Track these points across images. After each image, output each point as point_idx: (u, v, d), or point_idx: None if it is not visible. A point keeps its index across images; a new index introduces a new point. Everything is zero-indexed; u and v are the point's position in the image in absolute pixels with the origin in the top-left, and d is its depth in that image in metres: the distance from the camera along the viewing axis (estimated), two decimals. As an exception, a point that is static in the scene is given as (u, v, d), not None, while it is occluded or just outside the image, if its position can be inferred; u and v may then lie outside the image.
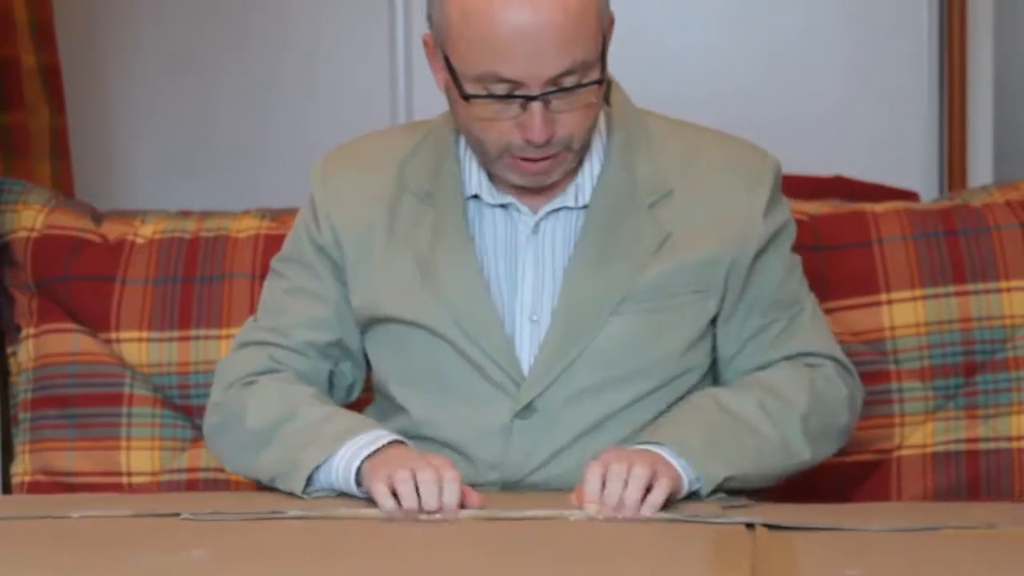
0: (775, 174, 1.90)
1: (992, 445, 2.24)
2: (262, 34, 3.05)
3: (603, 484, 1.64)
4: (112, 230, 2.32)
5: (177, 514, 1.67)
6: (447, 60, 1.74)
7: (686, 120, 1.95)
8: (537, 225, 1.84)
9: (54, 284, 2.27)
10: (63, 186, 2.56)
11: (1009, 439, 2.24)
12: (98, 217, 2.35)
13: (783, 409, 1.83)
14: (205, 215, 2.36)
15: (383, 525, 1.63)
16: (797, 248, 1.98)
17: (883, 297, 2.24)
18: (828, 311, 2.23)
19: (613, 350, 1.81)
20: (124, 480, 2.22)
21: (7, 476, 2.29)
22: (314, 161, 1.96)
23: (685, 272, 1.83)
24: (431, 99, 3.00)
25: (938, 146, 3.06)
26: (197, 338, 2.25)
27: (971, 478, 2.23)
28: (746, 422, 1.81)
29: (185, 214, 2.38)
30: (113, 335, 2.25)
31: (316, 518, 1.65)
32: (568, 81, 1.70)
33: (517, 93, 1.70)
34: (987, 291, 2.25)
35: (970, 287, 2.25)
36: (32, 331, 2.27)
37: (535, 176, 1.78)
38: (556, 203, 1.84)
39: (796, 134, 2.92)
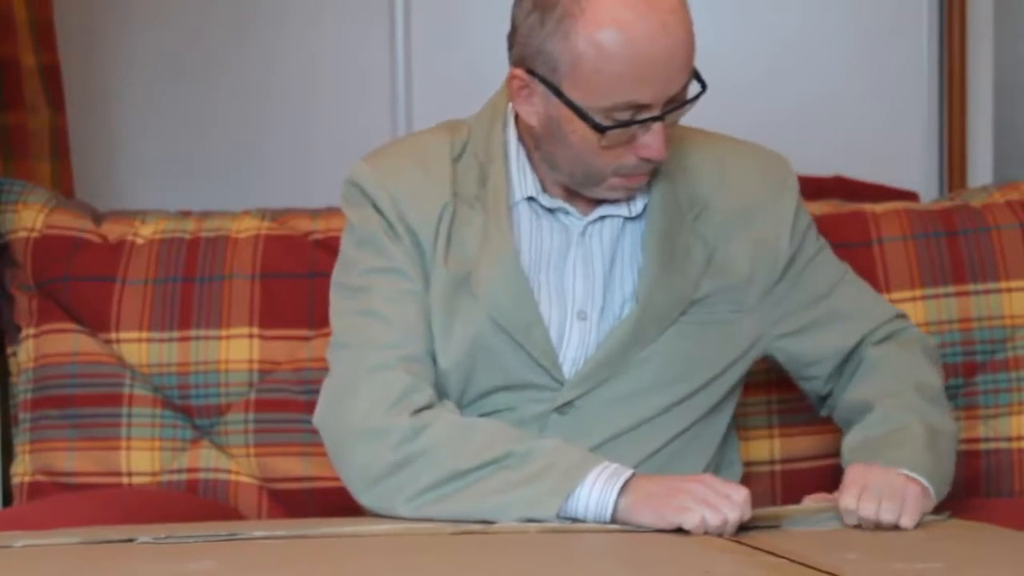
0: (794, 175, 1.95)
1: (992, 445, 2.24)
2: (262, 34, 3.05)
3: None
4: (112, 230, 2.32)
5: (131, 540, 1.59)
6: (561, 95, 1.72)
7: (695, 127, 1.95)
8: (585, 229, 1.85)
9: (54, 284, 2.27)
10: (63, 186, 2.56)
11: (1009, 439, 2.24)
12: (98, 217, 2.35)
13: (939, 400, 1.92)
14: (205, 215, 2.36)
15: (354, 541, 1.61)
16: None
17: (883, 297, 2.24)
18: (828, 311, 2.23)
19: (658, 359, 1.84)
20: (124, 480, 2.23)
21: (7, 476, 2.29)
22: (355, 168, 1.90)
23: (726, 291, 1.87)
24: (431, 99, 3.02)
25: (938, 146, 3.05)
26: (197, 338, 2.25)
27: (971, 478, 2.23)
28: (933, 427, 1.86)
29: (185, 214, 2.38)
30: (113, 335, 2.25)
31: (281, 538, 1.61)
32: (681, 96, 1.73)
33: (643, 117, 1.71)
34: (987, 291, 2.25)
35: (970, 287, 2.25)
36: (32, 331, 2.27)
37: (635, 190, 1.82)
38: (605, 210, 1.85)
39: (796, 134, 2.92)
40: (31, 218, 2.29)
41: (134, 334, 2.25)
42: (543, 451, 1.71)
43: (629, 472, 1.68)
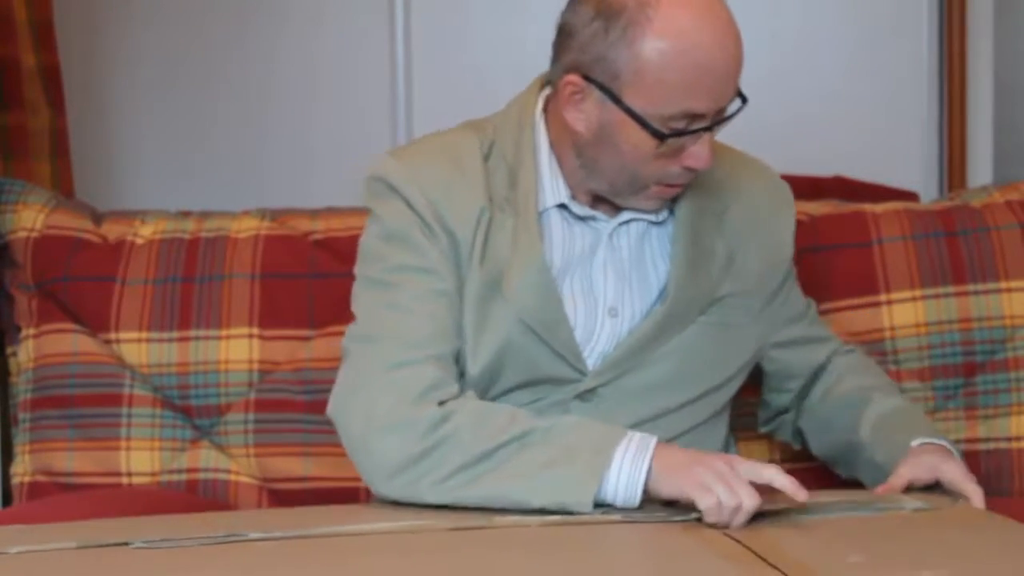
0: (792, 195, 2.01)
1: (992, 445, 2.24)
2: (261, 34, 3.05)
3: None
4: (112, 230, 2.32)
5: (127, 543, 1.55)
6: (620, 102, 1.74)
7: None
8: (614, 231, 1.88)
9: (54, 284, 2.27)
10: (63, 186, 2.56)
11: (1009, 439, 2.24)
12: (98, 217, 2.35)
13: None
14: (205, 215, 2.36)
15: (352, 540, 1.59)
16: (797, 249, 2.02)
17: (883, 297, 2.25)
18: (828, 311, 2.24)
19: (678, 356, 1.86)
20: (124, 480, 2.23)
21: (7, 476, 2.29)
22: (379, 163, 1.87)
23: (741, 295, 1.91)
24: (431, 99, 3.02)
25: (938, 146, 3.06)
26: (197, 338, 2.25)
27: (971, 478, 2.23)
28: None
29: (185, 214, 2.38)
30: (113, 335, 2.25)
31: (279, 538, 1.58)
32: (727, 108, 1.77)
33: (696, 126, 1.75)
34: (987, 291, 2.25)
35: (970, 287, 2.25)
36: (32, 331, 2.27)
37: (669, 200, 1.85)
38: (632, 214, 1.88)
39: (796, 134, 2.92)
40: (31, 218, 2.29)
41: (134, 334, 2.25)
42: (565, 427, 1.72)
43: (653, 442, 1.69)
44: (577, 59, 1.77)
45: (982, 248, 2.27)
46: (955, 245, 2.27)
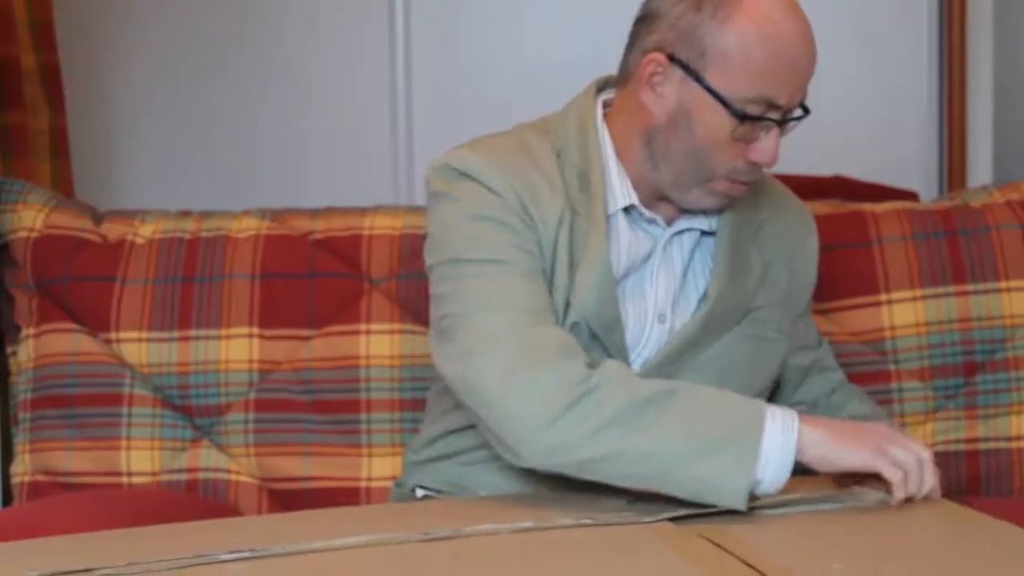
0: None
1: (992, 445, 2.24)
2: (262, 34, 3.06)
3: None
4: (112, 230, 2.32)
5: (88, 570, 1.43)
6: (702, 80, 1.76)
7: None
8: (671, 238, 1.89)
9: (54, 284, 2.27)
10: (63, 186, 2.56)
11: (1009, 439, 2.24)
12: (98, 217, 2.35)
13: None
14: (205, 215, 2.36)
15: (329, 556, 1.53)
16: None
17: (883, 297, 2.25)
18: (828, 311, 2.24)
19: (717, 365, 1.87)
20: (124, 480, 2.23)
21: (7, 476, 2.29)
22: (450, 155, 1.84)
23: (772, 308, 1.92)
24: (431, 99, 3.02)
25: (938, 146, 3.06)
26: (197, 338, 2.25)
27: (971, 478, 2.23)
28: None
29: (185, 214, 2.38)
30: (113, 335, 2.25)
31: (250, 558, 1.50)
32: (795, 110, 1.80)
33: (772, 116, 1.77)
34: (987, 291, 2.25)
35: (970, 287, 2.25)
36: (32, 331, 2.27)
37: (734, 198, 1.86)
38: (688, 223, 1.89)
39: (796, 134, 2.92)
40: (31, 218, 2.30)
41: (134, 334, 2.25)
42: (707, 393, 1.70)
43: (796, 416, 1.67)
44: (663, 38, 1.78)
45: (982, 248, 2.27)
46: (955, 245, 2.28)
